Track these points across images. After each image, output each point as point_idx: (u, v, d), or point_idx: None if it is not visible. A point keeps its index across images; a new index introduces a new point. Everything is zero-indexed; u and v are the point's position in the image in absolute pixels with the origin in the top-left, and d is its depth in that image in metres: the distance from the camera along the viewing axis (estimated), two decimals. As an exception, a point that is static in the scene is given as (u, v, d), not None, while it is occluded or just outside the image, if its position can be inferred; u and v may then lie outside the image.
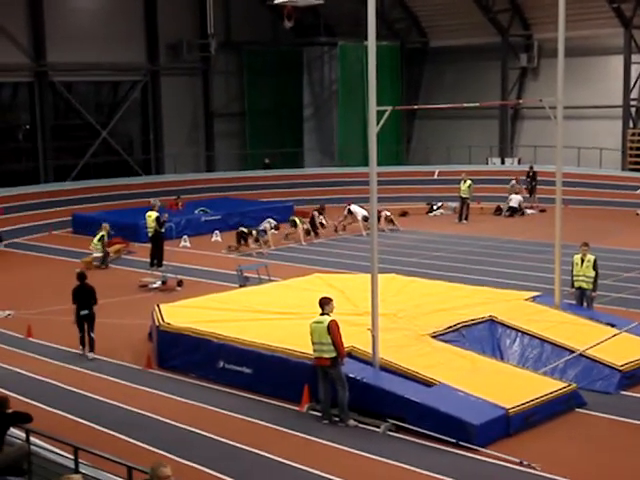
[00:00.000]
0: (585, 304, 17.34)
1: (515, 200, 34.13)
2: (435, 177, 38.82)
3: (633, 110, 38.07)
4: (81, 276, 17.23)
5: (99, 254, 25.55)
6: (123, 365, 16.12)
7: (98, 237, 25.86)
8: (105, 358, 16.52)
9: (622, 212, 33.57)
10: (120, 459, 9.25)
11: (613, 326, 15.94)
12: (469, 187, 32.69)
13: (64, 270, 24.97)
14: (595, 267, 17.24)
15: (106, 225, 26.41)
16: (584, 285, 17.27)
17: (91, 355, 16.58)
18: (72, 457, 9.54)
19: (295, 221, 29.26)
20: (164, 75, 39.83)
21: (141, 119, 40.70)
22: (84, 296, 16.81)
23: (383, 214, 30.12)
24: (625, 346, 15.10)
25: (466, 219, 32.69)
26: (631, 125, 38.09)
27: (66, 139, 38.49)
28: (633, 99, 37.89)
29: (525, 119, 41.52)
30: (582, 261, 17.19)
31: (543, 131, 36.47)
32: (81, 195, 34.80)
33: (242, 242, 27.44)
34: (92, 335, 16.65)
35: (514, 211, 33.91)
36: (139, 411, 13.60)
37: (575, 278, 17.29)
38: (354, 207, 30.67)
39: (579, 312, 16.71)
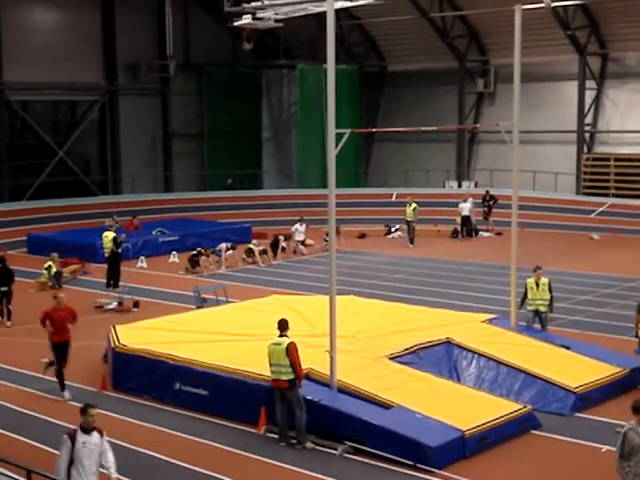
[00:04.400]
0: (539, 326, 17.54)
1: (466, 209, 34.28)
2: (393, 200, 39.05)
3: (587, 135, 38.69)
4: (1, 259, 21.33)
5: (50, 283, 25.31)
6: (78, 387, 15.90)
7: (45, 266, 25.54)
8: (59, 380, 16.31)
9: (577, 236, 34.02)
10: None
11: (568, 348, 16.14)
12: (414, 210, 32.79)
13: (19, 290, 24.63)
14: (550, 289, 17.48)
15: (55, 255, 25.87)
16: (541, 308, 17.48)
17: (9, 323, 20.60)
18: (25, 481, 9.41)
19: (251, 249, 29.20)
20: (122, 95, 39.69)
21: (99, 139, 40.46)
22: (4, 275, 21.06)
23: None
24: (579, 368, 15.28)
25: (412, 243, 32.64)
26: (585, 150, 38.68)
27: (22, 158, 38.11)
28: (587, 124, 38.51)
29: (482, 143, 41.99)
30: (537, 285, 17.39)
31: (499, 155, 36.97)
32: (37, 215, 34.40)
33: (196, 265, 27.34)
34: (10, 307, 20.88)
35: (469, 226, 34.03)
36: (94, 434, 13.43)
37: (531, 302, 17.44)
38: (295, 226, 31.13)
39: (535, 334, 16.87)
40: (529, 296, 17.38)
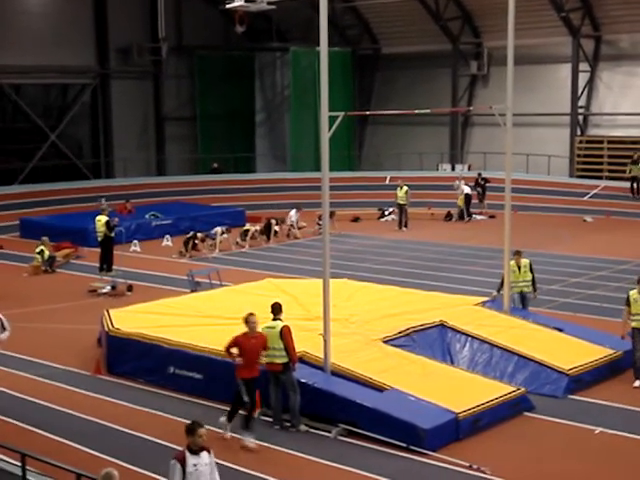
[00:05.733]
0: (521, 306, 17.72)
1: (467, 187, 34.44)
2: (386, 183, 39.02)
3: (580, 118, 38.68)
4: None
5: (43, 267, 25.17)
6: (71, 371, 15.92)
7: (37, 250, 25.38)
8: (53, 364, 16.32)
9: (570, 218, 34.05)
10: (69, 466, 9.14)
11: (561, 330, 16.20)
12: (406, 193, 32.71)
13: (11, 275, 24.66)
14: (532, 270, 17.74)
15: (45, 239, 25.74)
16: (525, 289, 17.74)
17: None
18: (19, 464, 9.41)
19: (247, 230, 29.28)
20: (114, 78, 39.53)
21: (91, 122, 40.32)
22: None
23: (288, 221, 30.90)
24: (573, 350, 15.33)
25: (406, 226, 32.61)
26: (579, 132, 38.69)
27: (14, 142, 37.99)
28: (581, 107, 38.50)
29: (475, 126, 41.96)
30: (519, 268, 17.52)
31: (493, 138, 36.95)
32: (29, 199, 34.30)
33: (190, 247, 27.32)
34: None
35: (468, 204, 34.08)
36: (88, 418, 13.46)
37: (514, 285, 17.54)
38: (291, 213, 31.15)
39: (528, 317, 16.93)
40: (512, 279, 17.44)
